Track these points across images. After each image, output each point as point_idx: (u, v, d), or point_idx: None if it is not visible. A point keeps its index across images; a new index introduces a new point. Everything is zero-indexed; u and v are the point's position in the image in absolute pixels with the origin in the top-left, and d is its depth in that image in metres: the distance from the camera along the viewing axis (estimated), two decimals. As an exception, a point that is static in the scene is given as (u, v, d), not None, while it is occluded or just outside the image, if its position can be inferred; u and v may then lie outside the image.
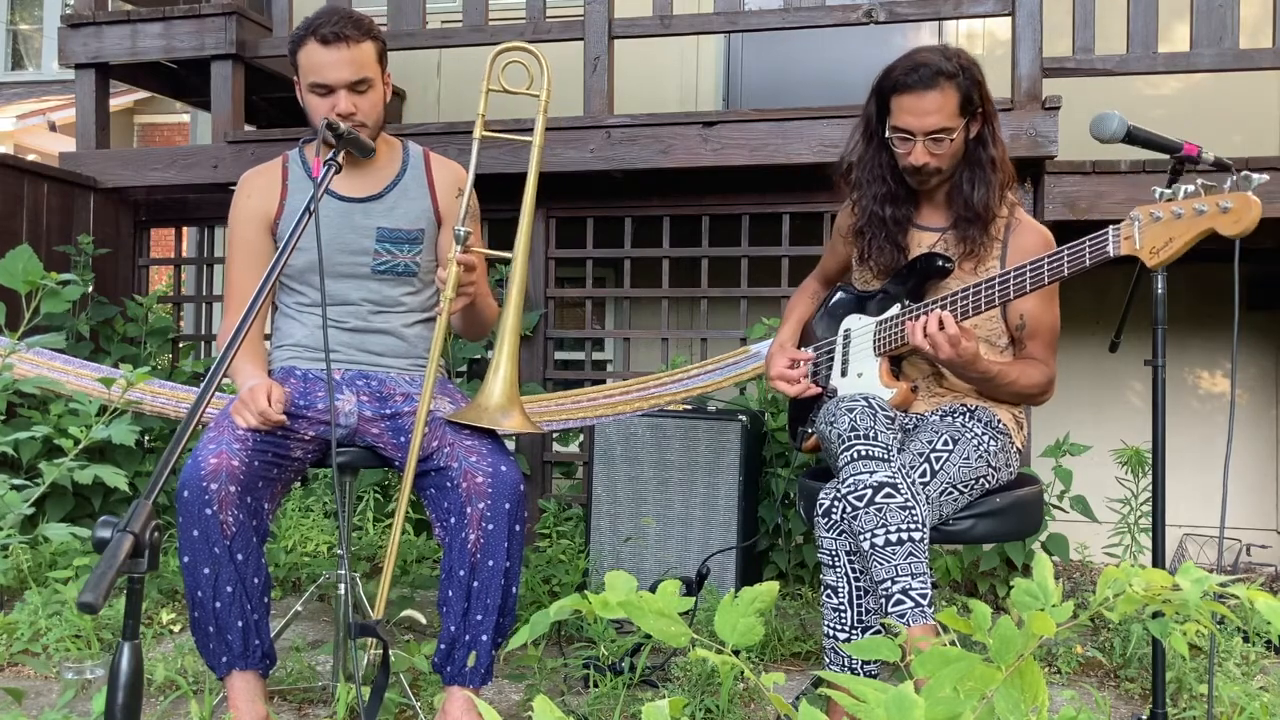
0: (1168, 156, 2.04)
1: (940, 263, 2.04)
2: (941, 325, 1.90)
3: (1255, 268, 3.96)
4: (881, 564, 1.80)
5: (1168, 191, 1.76)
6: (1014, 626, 0.97)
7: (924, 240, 2.13)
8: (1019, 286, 1.90)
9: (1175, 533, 3.99)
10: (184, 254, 4.51)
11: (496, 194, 3.73)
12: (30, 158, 6.56)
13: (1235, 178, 1.68)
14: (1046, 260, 1.87)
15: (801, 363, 2.24)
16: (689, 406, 3.13)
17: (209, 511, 1.85)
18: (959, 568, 3.07)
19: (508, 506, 1.95)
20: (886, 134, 2.05)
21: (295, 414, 2.05)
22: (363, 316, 2.18)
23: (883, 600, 1.81)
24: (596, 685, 2.25)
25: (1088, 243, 1.83)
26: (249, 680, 1.95)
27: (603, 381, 3.75)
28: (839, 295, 2.26)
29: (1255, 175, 1.68)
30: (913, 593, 1.78)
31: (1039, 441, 3.21)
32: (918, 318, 1.95)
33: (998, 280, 1.92)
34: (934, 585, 2.15)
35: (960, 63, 2.00)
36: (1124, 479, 2.92)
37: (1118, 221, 1.81)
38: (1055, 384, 2.11)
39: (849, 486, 1.86)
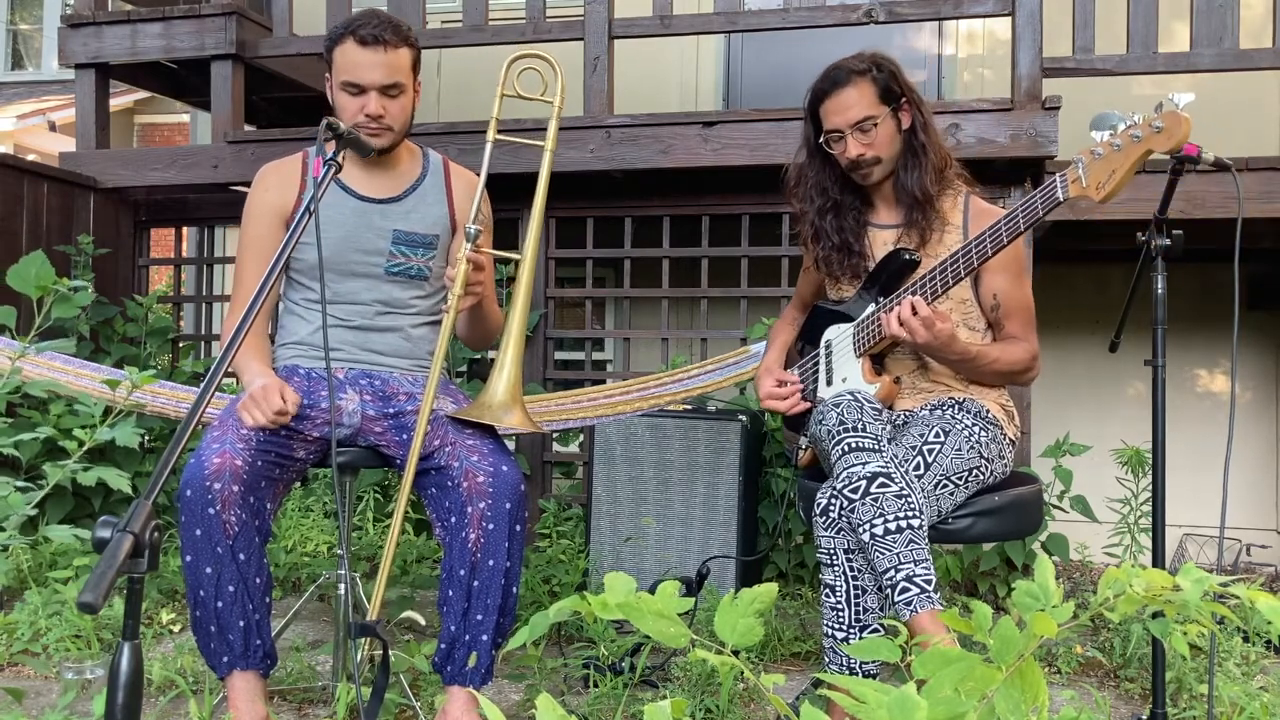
0: (1167, 156, 2.04)
1: (906, 256, 2.09)
2: (914, 310, 1.93)
3: (1255, 268, 3.97)
4: (883, 553, 1.81)
5: (1108, 133, 1.80)
6: (1014, 627, 0.97)
7: (885, 238, 2.18)
8: (981, 253, 1.93)
9: (1175, 533, 3.99)
10: (184, 254, 4.51)
11: (497, 194, 3.71)
12: (30, 158, 6.56)
13: (1163, 99, 1.76)
14: (1004, 221, 1.92)
15: (789, 383, 2.26)
16: (689, 406, 3.13)
17: (212, 511, 1.85)
18: (959, 568, 3.07)
19: (508, 506, 1.95)
20: (821, 140, 2.14)
21: (300, 414, 2.05)
22: (369, 316, 2.19)
23: (888, 590, 1.81)
24: (596, 685, 2.25)
25: (1039, 193, 1.88)
26: (249, 680, 1.94)
27: (603, 381, 3.75)
28: (815, 313, 2.30)
29: (1182, 96, 1.75)
30: (917, 579, 1.78)
31: (1039, 441, 3.21)
32: (891, 309, 1.98)
33: (960, 253, 1.96)
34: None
35: (872, 60, 2.11)
36: (1124, 479, 2.92)
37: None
38: (1040, 361, 2.15)
39: (843, 480, 1.87)
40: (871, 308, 2.11)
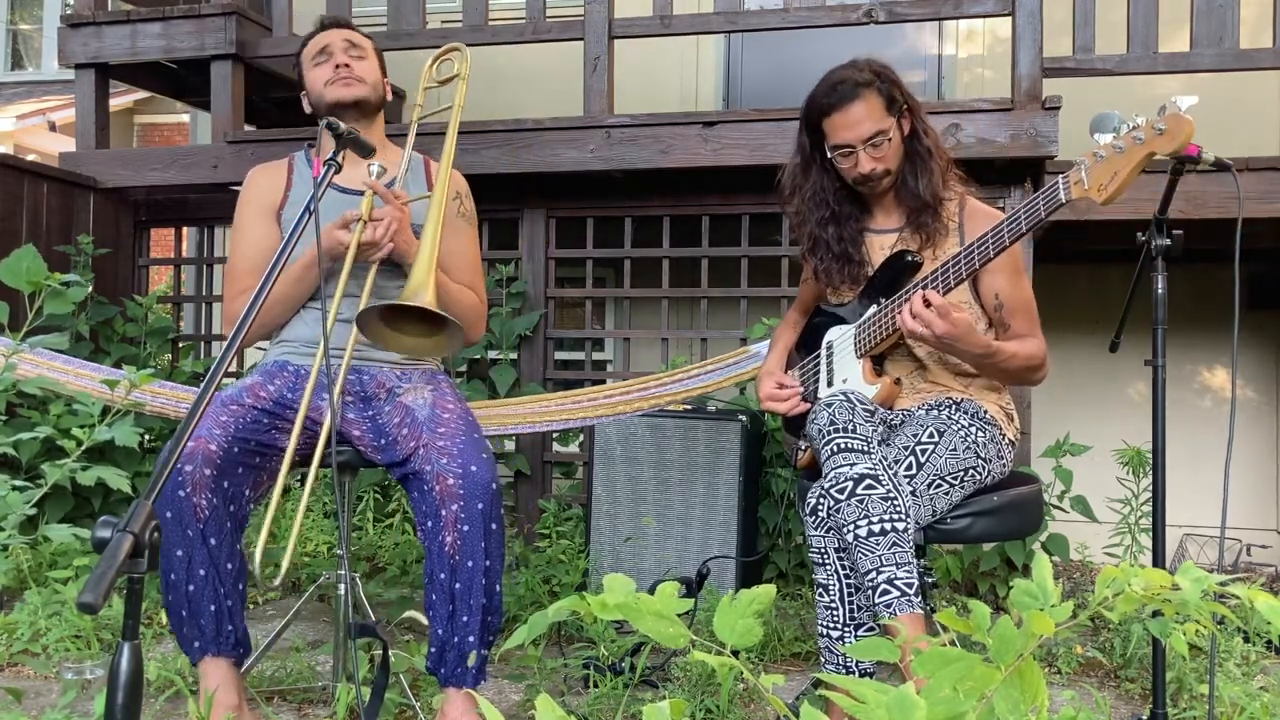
0: (1169, 158, 2.04)
1: (909, 258, 2.08)
2: (928, 303, 1.92)
3: (1255, 267, 3.96)
4: (866, 555, 1.81)
5: (1110, 135, 1.80)
6: (1014, 626, 0.97)
7: (883, 243, 2.18)
8: (984, 254, 1.93)
9: (1175, 533, 3.99)
10: (184, 254, 4.51)
11: (497, 194, 3.73)
12: (30, 158, 6.56)
13: (1166, 101, 1.76)
14: (1006, 222, 1.91)
15: (788, 386, 2.26)
16: (689, 406, 3.13)
17: (182, 494, 1.87)
18: (959, 568, 3.07)
19: (480, 507, 1.94)
20: (829, 155, 2.12)
21: (285, 403, 2.07)
22: (357, 308, 2.18)
23: (869, 591, 1.81)
24: (596, 685, 2.25)
25: (1041, 195, 1.87)
26: (221, 667, 1.96)
27: (603, 381, 3.74)
28: (817, 316, 2.30)
29: (1185, 99, 1.75)
30: (898, 582, 1.79)
31: (1039, 441, 3.21)
32: (901, 305, 1.97)
33: (963, 254, 1.95)
34: (934, 585, 2.15)
35: (872, 70, 2.09)
36: (1124, 479, 2.92)
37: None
38: (1049, 359, 2.13)
39: (830, 480, 1.87)
40: (874, 309, 2.10)
